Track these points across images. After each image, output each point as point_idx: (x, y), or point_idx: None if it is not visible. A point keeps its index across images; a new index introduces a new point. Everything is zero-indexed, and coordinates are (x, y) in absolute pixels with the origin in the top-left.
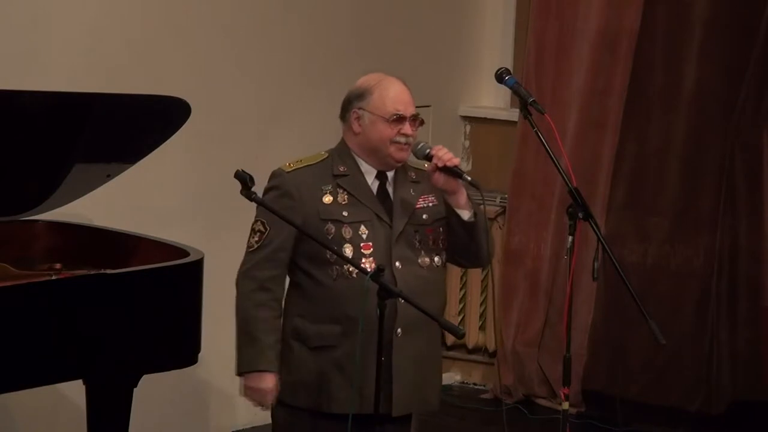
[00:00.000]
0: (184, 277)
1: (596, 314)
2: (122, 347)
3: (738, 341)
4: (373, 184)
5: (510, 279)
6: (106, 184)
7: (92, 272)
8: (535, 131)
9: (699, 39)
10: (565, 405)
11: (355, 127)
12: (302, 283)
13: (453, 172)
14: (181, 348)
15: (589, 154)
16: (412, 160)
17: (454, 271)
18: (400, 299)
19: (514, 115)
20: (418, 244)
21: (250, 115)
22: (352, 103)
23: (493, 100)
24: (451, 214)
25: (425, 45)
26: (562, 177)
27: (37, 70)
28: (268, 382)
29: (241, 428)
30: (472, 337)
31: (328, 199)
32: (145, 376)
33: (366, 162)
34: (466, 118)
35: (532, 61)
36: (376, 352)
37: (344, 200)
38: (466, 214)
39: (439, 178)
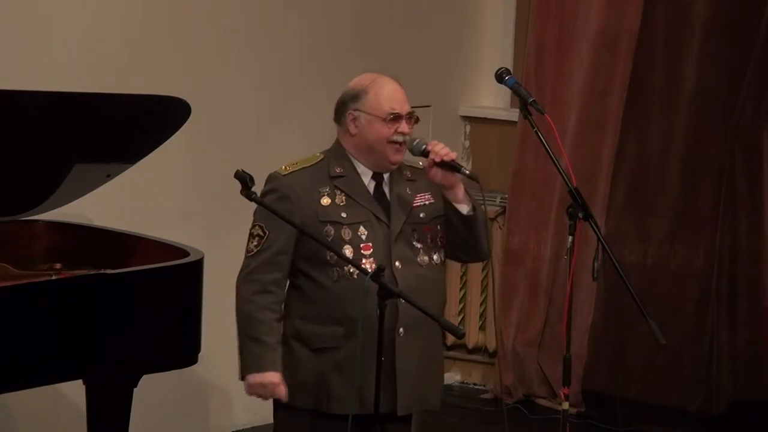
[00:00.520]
0: (184, 277)
1: (596, 314)
2: (122, 347)
3: (738, 341)
4: (370, 184)
5: (510, 279)
6: (106, 184)
7: (92, 272)
8: (535, 131)
9: (699, 39)
10: (565, 405)
11: (352, 128)
12: (302, 285)
13: (451, 166)
14: (181, 348)
15: (589, 154)
16: (407, 159)
17: (454, 271)
18: (401, 299)
19: (514, 115)
20: (416, 242)
21: (250, 115)
22: (347, 105)
23: (493, 100)
24: (449, 209)
25: (425, 45)
26: (562, 177)
27: (37, 70)
28: (275, 377)
29: (240, 428)
30: (472, 337)
31: (326, 200)
32: (145, 376)
33: (362, 163)
34: (466, 118)
35: (532, 61)
36: (377, 352)
37: (342, 201)
38: (464, 208)
39: (437, 173)
